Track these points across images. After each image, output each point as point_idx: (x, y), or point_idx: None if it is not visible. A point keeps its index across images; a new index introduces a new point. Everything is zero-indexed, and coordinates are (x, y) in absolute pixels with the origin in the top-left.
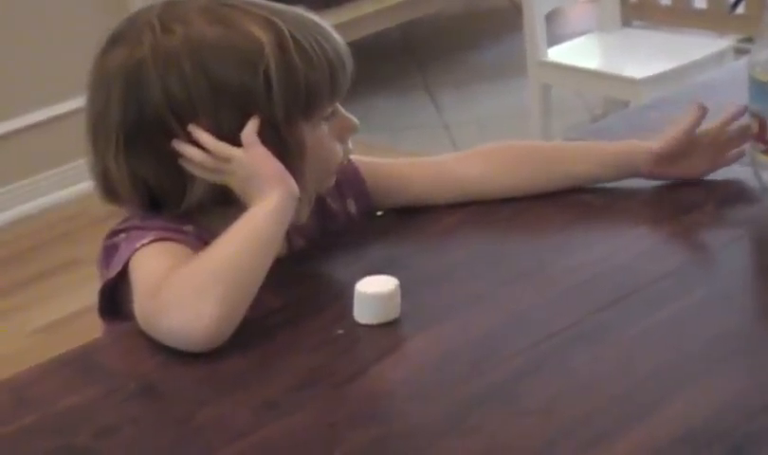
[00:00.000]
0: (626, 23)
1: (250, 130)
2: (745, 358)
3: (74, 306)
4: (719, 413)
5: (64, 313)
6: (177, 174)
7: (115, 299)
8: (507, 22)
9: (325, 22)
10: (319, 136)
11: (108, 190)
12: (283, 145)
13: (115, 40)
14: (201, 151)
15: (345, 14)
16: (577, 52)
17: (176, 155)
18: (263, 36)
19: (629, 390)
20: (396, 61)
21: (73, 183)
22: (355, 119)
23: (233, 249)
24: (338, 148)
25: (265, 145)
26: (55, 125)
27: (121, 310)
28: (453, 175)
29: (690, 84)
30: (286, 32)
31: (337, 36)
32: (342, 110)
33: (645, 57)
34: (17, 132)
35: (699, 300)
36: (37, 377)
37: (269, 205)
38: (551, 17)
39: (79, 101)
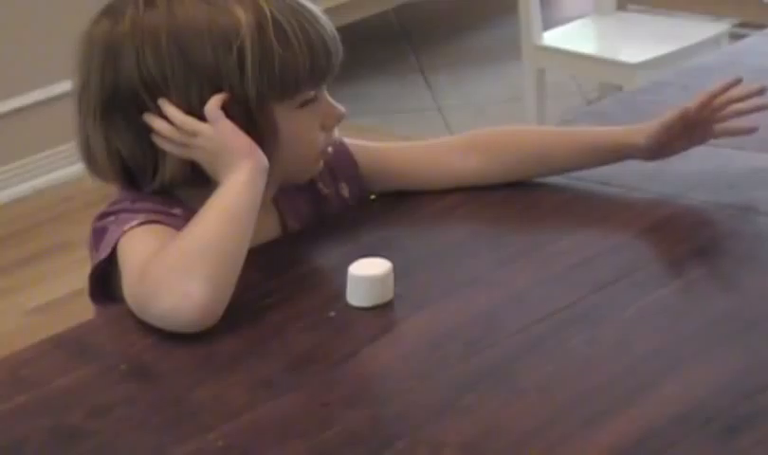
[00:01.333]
0: (621, 6)
1: (213, 105)
2: (741, 339)
3: (70, 287)
4: (714, 394)
5: (60, 293)
6: (150, 149)
7: (105, 281)
8: (502, 5)
9: (317, 6)
10: (295, 120)
11: (90, 160)
12: (253, 125)
13: (104, 12)
14: (169, 125)
15: None
16: (573, 36)
17: (149, 130)
18: (242, 15)
19: (625, 370)
20: (391, 44)
21: (68, 164)
22: (341, 108)
23: (212, 226)
24: (320, 135)
25: (235, 123)
26: (49, 106)
27: (112, 293)
28: (448, 166)
29: (686, 68)
30: (268, 13)
31: (325, 21)
32: (327, 97)
33: (640, 41)
34: (11, 113)
35: (694, 281)
36: (31, 357)
37: (241, 177)
38: (546, 1)
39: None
